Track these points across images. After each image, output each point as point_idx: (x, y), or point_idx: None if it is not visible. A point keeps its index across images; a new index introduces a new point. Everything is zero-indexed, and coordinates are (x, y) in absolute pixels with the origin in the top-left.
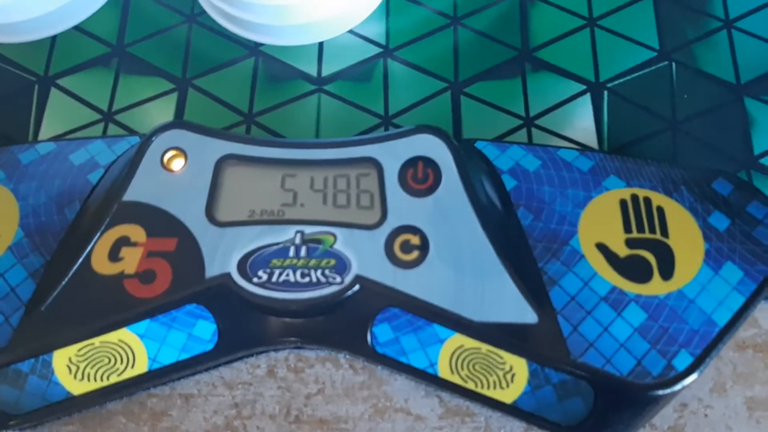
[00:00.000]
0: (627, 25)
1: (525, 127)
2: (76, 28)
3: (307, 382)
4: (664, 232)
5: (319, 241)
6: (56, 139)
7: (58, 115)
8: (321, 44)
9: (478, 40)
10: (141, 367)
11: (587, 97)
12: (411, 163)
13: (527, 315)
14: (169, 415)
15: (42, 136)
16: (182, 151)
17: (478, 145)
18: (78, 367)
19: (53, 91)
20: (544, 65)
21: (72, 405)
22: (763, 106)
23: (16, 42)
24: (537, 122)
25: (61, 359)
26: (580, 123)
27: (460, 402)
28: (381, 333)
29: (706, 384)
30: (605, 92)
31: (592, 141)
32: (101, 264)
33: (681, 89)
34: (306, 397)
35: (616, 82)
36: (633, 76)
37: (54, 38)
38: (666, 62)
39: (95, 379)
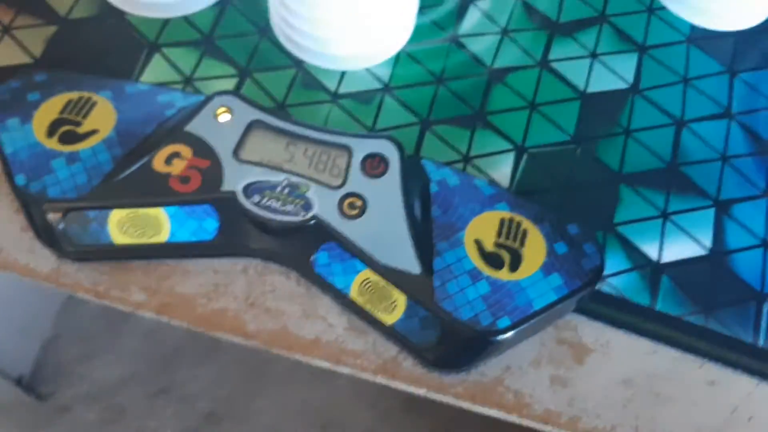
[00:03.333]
0: (556, 114)
1: (462, 162)
2: (184, 17)
3: (265, 283)
4: (522, 244)
5: (297, 187)
6: (150, 84)
7: (156, 70)
8: (344, 73)
9: (450, 97)
10: (163, 237)
11: (512, 153)
12: (372, 155)
13: (415, 267)
14: (171, 279)
15: (142, 80)
16: (230, 109)
17: (424, 161)
18: (123, 225)
19: (156, 55)
20: (490, 125)
21: (112, 250)
22: (631, 193)
23: (142, 15)
24: (473, 161)
25: (115, 216)
26: (502, 169)
27: (360, 323)
28: (321, 258)
29: (527, 357)
30: (525, 154)
31: (505, 182)
32: (159, 164)
33: (579, 167)
34: (261, 293)
35: (535, 150)
36: (549, 149)
37: (167, 20)
38: (575, 145)
39: (133, 236)
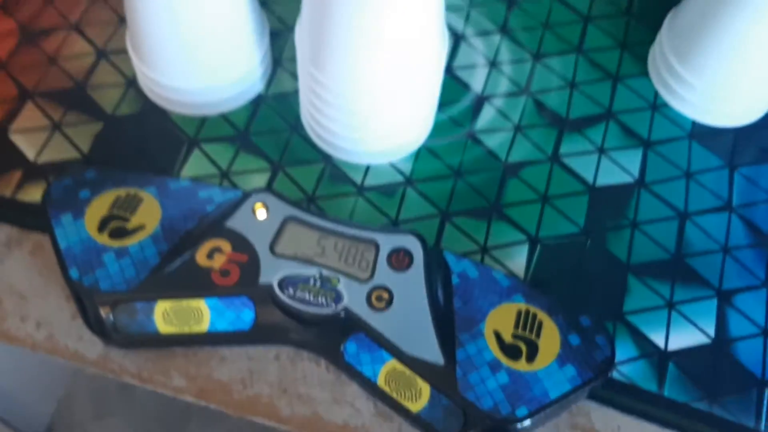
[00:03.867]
0: (567, 207)
1: (479, 253)
2: (222, 115)
3: (297, 369)
4: (538, 335)
5: (329, 280)
6: (191, 179)
7: (195, 165)
8: (369, 166)
9: (468, 190)
10: (204, 327)
11: (526, 245)
12: (398, 249)
13: (439, 359)
14: (208, 365)
15: (182, 175)
16: (266, 206)
17: (445, 253)
18: (168, 315)
19: (196, 150)
20: (505, 217)
21: (157, 338)
22: (638, 283)
23: (183, 113)
24: (490, 252)
25: (160, 307)
26: (517, 260)
27: (387, 410)
28: (350, 347)
29: None
30: (539, 245)
31: (520, 272)
32: (201, 258)
33: (589, 257)
34: (293, 380)
35: (548, 241)
36: (561, 241)
37: (206, 118)
38: (585, 237)
39: (175, 326)
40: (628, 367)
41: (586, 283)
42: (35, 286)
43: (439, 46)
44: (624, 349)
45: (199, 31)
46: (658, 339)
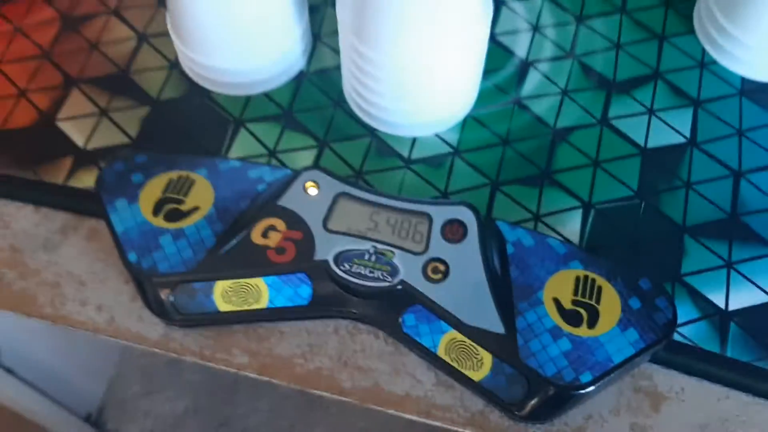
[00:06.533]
0: (619, 170)
1: (533, 220)
2: (265, 94)
3: (356, 342)
4: (597, 301)
5: (383, 254)
6: (240, 159)
7: (242, 145)
8: (415, 139)
9: (517, 158)
10: (263, 303)
11: (579, 210)
12: (451, 221)
13: (498, 327)
14: (269, 340)
15: (230, 155)
16: (317, 184)
17: (498, 222)
18: (227, 294)
19: (242, 130)
20: (557, 183)
21: (217, 317)
22: (695, 244)
23: (227, 93)
24: (542, 219)
25: (219, 287)
26: (571, 226)
27: (447, 379)
28: (408, 320)
29: (607, 406)
30: (592, 210)
31: (575, 239)
32: (257, 237)
33: (644, 221)
34: (353, 352)
35: (602, 206)
36: (614, 205)
37: (249, 97)
38: (639, 200)
39: (235, 305)
40: (689, 328)
41: (642, 246)
42: (93, 271)
43: (484, 13)
44: (684, 311)
45: (241, 11)
46: (718, 299)
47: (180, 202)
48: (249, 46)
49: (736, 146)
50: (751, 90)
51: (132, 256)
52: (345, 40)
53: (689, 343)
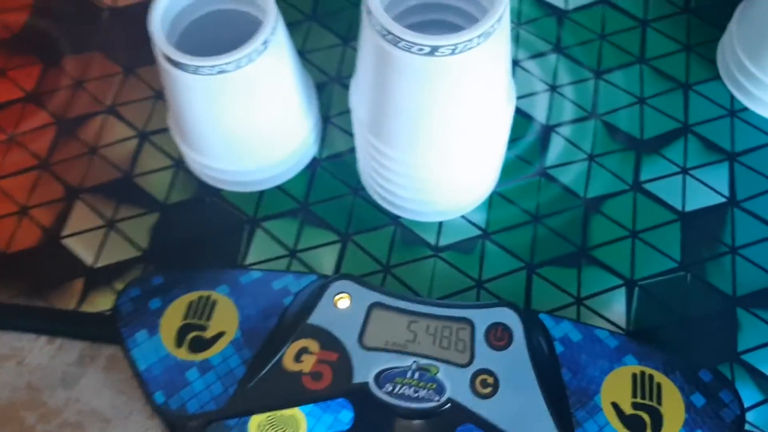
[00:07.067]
0: (659, 240)
1: (575, 305)
2: (278, 187)
3: None
4: (659, 401)
5: (428, 370)
6: (256, 264)
7: (261, 247)
8: (441, 223)
9: (550, 235)
10: None
11: (623, 289)
12: (494, 326)
13: None
14: None
15: (248, 260)
16: (348, 295)
17: (541, 316)
18: (264, 429)
19: (258, 231)
20: (595, 261)
21: None
22: (749, 316)
23: (237, 191)
24: (584, 302)
25: (254, 422)
26: (615, 308)
27: None
28: None
29: None
30: (636, 288)
31: (621, 322)
32: (289, 362)
33: (692, 295)
34: None
35: (645, 282)
36: (658, 279)
37: (262, 192)
38: (684, 272)
39: None
40: (754, 413)
41: (693, 324)
42: (116, 405)
43: (508, 102)
44: (746, 395)
45: (250, 126)
46: None
47: (203, 328)
48: (259, 149)
49: None
50: None
51: (159, 397)
52: (361, 135)
53: (756, 430)
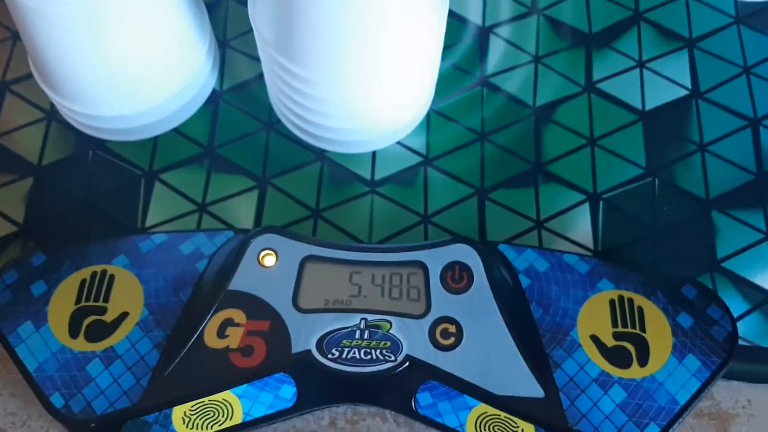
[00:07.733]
0: (620, 145)
1: (536, 229)
2: (175, 130)
3: (361, 431)
4: (643, 327)
5: (378, 327)
6: (160, 225)
7: (162, 204)
8: (374, 153)
9: (500, 154)
10: (237, 419)
11: (586, 205)
12: (450, 266)
13: (536, 390)
14: None
15: (148, 222)
16: (274, 251)
17: (500, 247)
18: (190, 419)
19: (157, 184)
20: (553, 177)
21: None
22: (726, 219)
23: (125, 140)
24: (545, 225)
25: (178, 413)
26: (580, 227)
27: None
28: (422, 399)
29: None
30: (601, 202)
31: (588, 242)
32: (211, 339)
33: (661, 202)
34: None
35: (610, 194)
36: (623, 189)
37: (156, 138)
38: (650, 178)
39: (203, 428)
40: (740, 324)
41: (667, 235)
42: (11, 412)
43: (441, 3)
44: (731, 304)
45: (131, 57)
46: (766, 281)
47: (102, 310)
48: (146, 85)
49: (746, 87)
50: (747, 15)
51: (57, 400)
52: (269, 58)
53: (745, 343)
